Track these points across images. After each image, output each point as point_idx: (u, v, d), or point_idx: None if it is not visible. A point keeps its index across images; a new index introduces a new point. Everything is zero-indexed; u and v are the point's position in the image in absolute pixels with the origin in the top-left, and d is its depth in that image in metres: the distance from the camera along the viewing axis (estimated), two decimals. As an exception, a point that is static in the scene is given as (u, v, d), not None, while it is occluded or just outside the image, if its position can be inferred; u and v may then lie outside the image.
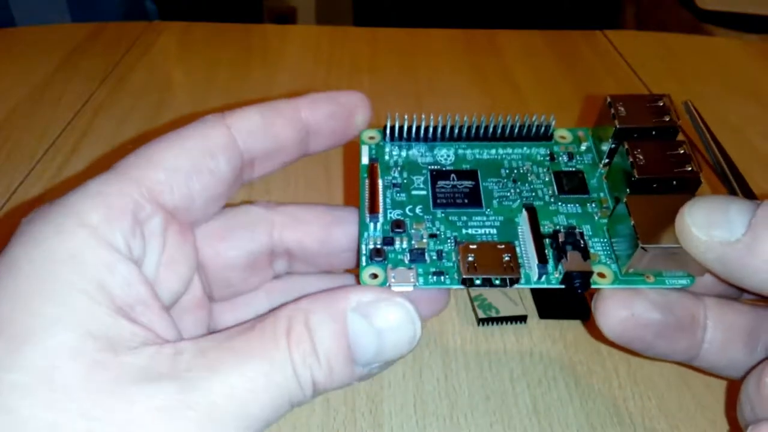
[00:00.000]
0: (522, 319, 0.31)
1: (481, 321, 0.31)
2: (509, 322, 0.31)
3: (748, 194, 0.22)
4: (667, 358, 0.22)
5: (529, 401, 0.28)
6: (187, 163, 0.19)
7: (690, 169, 0.21)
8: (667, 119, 0.22)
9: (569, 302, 0.32)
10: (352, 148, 0.25)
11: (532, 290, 0.33)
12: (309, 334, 0.17)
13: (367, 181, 0.23)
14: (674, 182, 0.21)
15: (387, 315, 0.17)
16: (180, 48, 0.59)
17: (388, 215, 0.22)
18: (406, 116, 0.24)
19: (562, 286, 0.20)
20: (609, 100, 0.23)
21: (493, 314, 0.31)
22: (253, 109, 0.21)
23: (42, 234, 0.16)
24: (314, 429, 0.27)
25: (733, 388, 0.27)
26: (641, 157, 0.21)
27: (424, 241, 0.21)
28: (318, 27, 0.69)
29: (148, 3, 0.82)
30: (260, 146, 0.21)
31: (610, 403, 0.28)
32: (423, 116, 0.24)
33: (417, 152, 0.24)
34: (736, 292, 0.23)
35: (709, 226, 0.18)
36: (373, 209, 0.22)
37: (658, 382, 0.29)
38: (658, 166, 0.21)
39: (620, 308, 0.20)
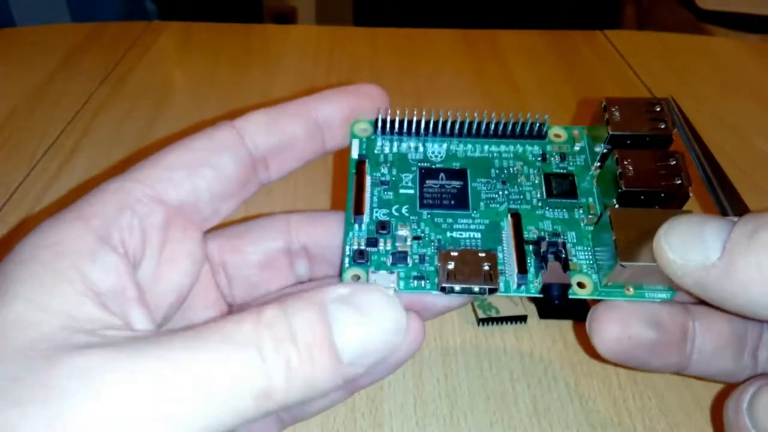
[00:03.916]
0: (522, 319, 0.31)
1: (481, 321, 0.31)
2: (509, 322, 0.31)
3: (731, 195, 0.21)
4: (659, 371, 0.22)
5: (529, 401, 0.28)
6: (189, 160, 0.20)
7: (679, 182, 0.20)
8: (663, 127, 0.22)
9: (569, 303, 0.32)
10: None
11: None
12: (285, 317, 0.16)
13: (354, 177, 0.22)
14: (662, 195, 0.20)
15: (369, 302, 0.17)
16: (180, 48, 0.59)
17: (374, 214, 0.22)
18: (398, 110, 0.23)
19: (541, 296, 0.20)
20: (604, 103, 0.22)
21: (493, 314, 0.31)
22: (260, 110, 0.21)
23: (42, 227, 0.17)
24: (314, 429, 0.27)
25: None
26: (630, 168, 0.21)
27: (408, 243, 0.21)
28: (318, 27, 0.69)
29: (148, 3, 0.82)
30: (268, 141, 0.21)
31: (610, 403, 0.28)
32: (415, 110, 0.24)
33: (408, 147, 0.24)
34: None
35: (685, 249, 0.17)
36: (359, 210, 0.22)
37: (658, 382, 0.29)
38: (647, 178, 0.20)
39: (615, 328, 0.20)
